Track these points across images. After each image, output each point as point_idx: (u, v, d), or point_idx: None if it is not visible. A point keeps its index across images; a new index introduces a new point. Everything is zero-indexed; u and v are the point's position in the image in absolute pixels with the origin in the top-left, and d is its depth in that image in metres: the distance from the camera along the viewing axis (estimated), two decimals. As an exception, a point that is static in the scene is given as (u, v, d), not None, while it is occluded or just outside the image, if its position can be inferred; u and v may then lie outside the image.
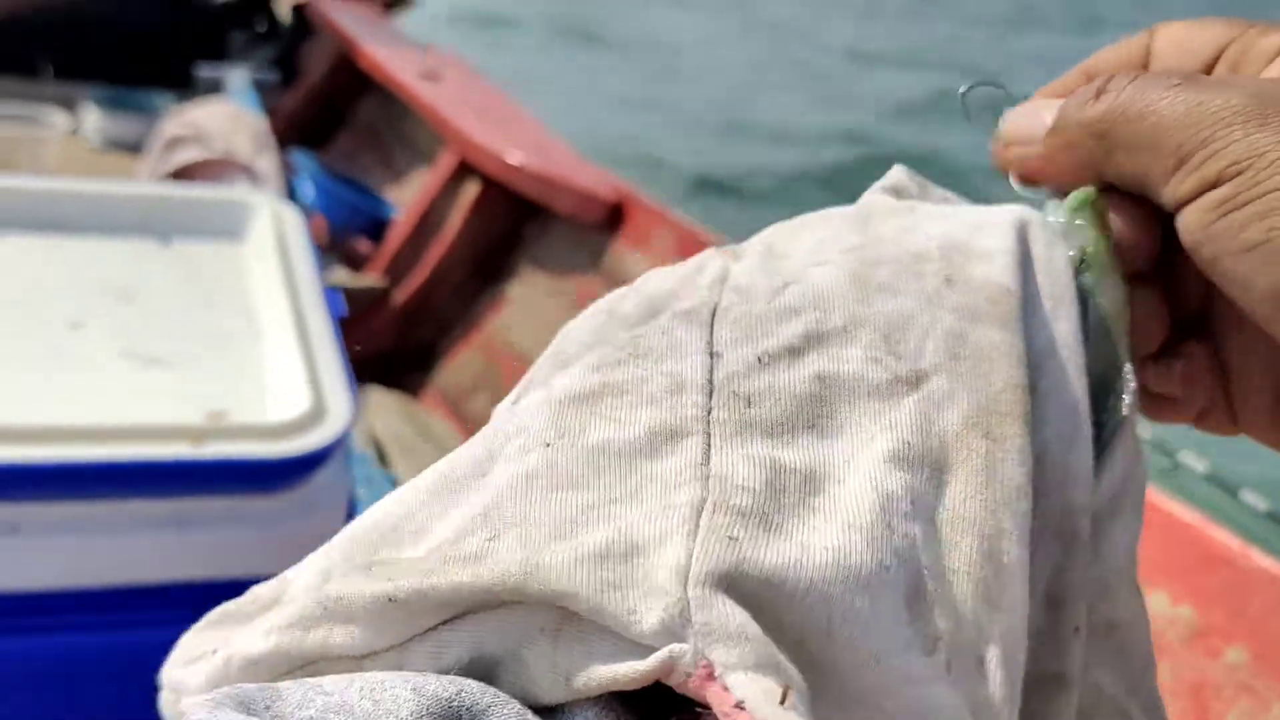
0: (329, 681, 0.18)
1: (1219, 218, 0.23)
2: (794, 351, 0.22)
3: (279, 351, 0.74)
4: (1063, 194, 0.27)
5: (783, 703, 0.17)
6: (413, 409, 1.50)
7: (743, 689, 0.17)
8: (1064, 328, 0.25)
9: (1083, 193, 0.27)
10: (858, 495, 0.20)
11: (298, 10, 2.77)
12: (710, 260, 0.26)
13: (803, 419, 0.21)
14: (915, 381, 0.23)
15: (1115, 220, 0.26)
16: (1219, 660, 0.83)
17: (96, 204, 0.87)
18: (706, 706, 0.17)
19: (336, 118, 2.38)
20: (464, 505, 0.21)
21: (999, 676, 0.20)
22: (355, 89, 2.36)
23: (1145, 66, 0.27)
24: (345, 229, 1.86)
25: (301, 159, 1.87)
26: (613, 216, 1.53)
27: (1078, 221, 0.27)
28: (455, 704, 0.18)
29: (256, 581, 0.74)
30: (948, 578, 0.21)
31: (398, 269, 1.75)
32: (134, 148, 2.06)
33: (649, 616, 0.18)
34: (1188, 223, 0.24)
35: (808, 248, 0.26)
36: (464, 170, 1.72)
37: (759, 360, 0.22)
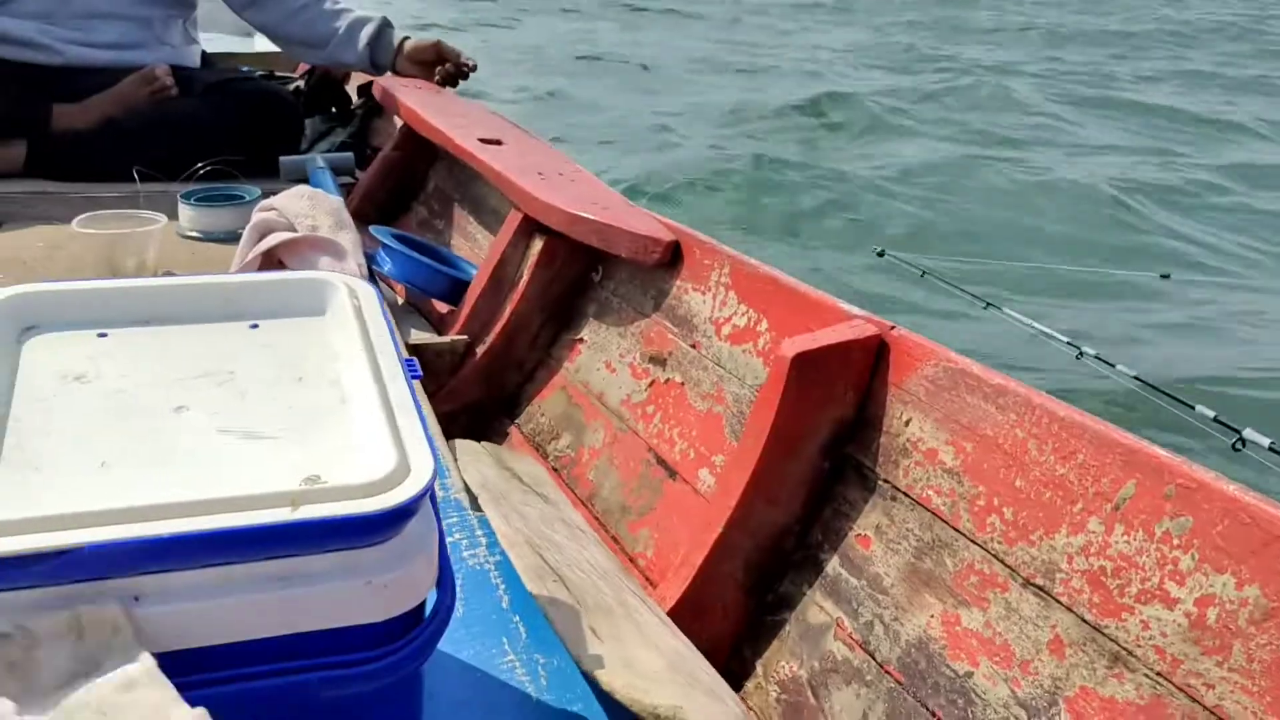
0: None
1: None
2: None
3: (364, 417, 0.81)
4: None
5: None
6: (501, 455, 1.57)
7: None
8: None
9: None
10: None
11: (364, 91, 2.90)
12: None
13: None
14: None
15: None
16: None
17: (190, 295, 0.96)
18: None
19: (409, 188, 2.49)
20: None
21: None
22: (424, 159, 2.47)
23: None
24: (425, 292, 1.95)
25: (379, 232, 1.97)
26: (672, 256, 1.58)
27: None
28: None
29: (364, 628, 0.81)
30: None
31: (477, 325, 1.83)
32: (227, 238, 2.19)
33: None
34: None
35: None
36: (530, 226, 1.80)
37: None
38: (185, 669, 0.72)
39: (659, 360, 1.56)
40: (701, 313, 1.51)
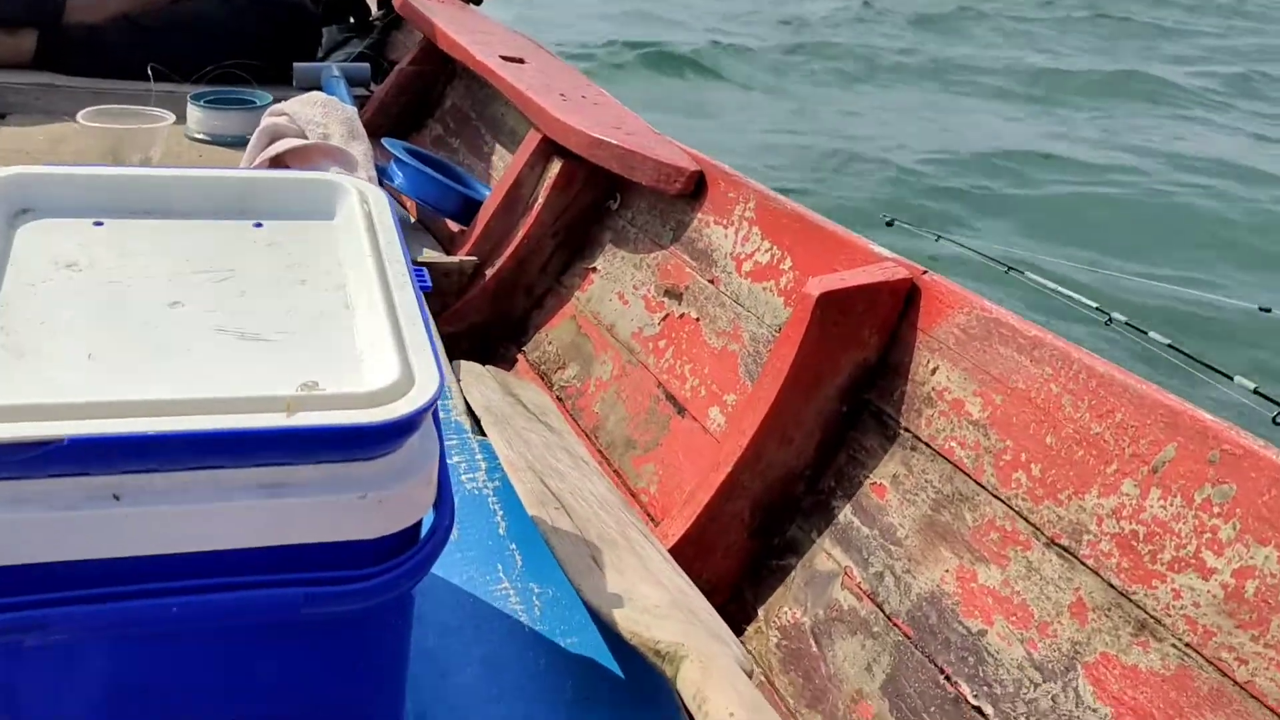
0: None
1: None
2: None
3: (368, 325, 0.77)
4: None
5: None
6: (506, 380, 1.53)
7: None
8: None
9: None
10: None
11: (386, 4, 2.82)
12: None
13: None
14: None
15: None
16: None
17: (193, 189, 0.91)
18: None
19: (425, 104, 2.42)
20: None
21: None
22: (442, 76, 2.40)
23: None
24: (436, 210, 1.90)
25: (392, 145, 1.91)
26: (695, 187, 1.53)
27: None
28: None
29: (352, 544, 0.76)
30: None
31: (488, 246, 1.78)
32: (235, 143, 2.13)
33: None
34: None
35: None
36: (548, 148, 1.74)
37: None
38: (165, 574, 0.68)
39: (675, 294, 1.51)
40: (722, 247, 1.45)
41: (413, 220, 2.04)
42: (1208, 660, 0.80)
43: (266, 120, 1.81)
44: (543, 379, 1.65)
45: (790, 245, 1.34)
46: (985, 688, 0.92)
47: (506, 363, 1.72)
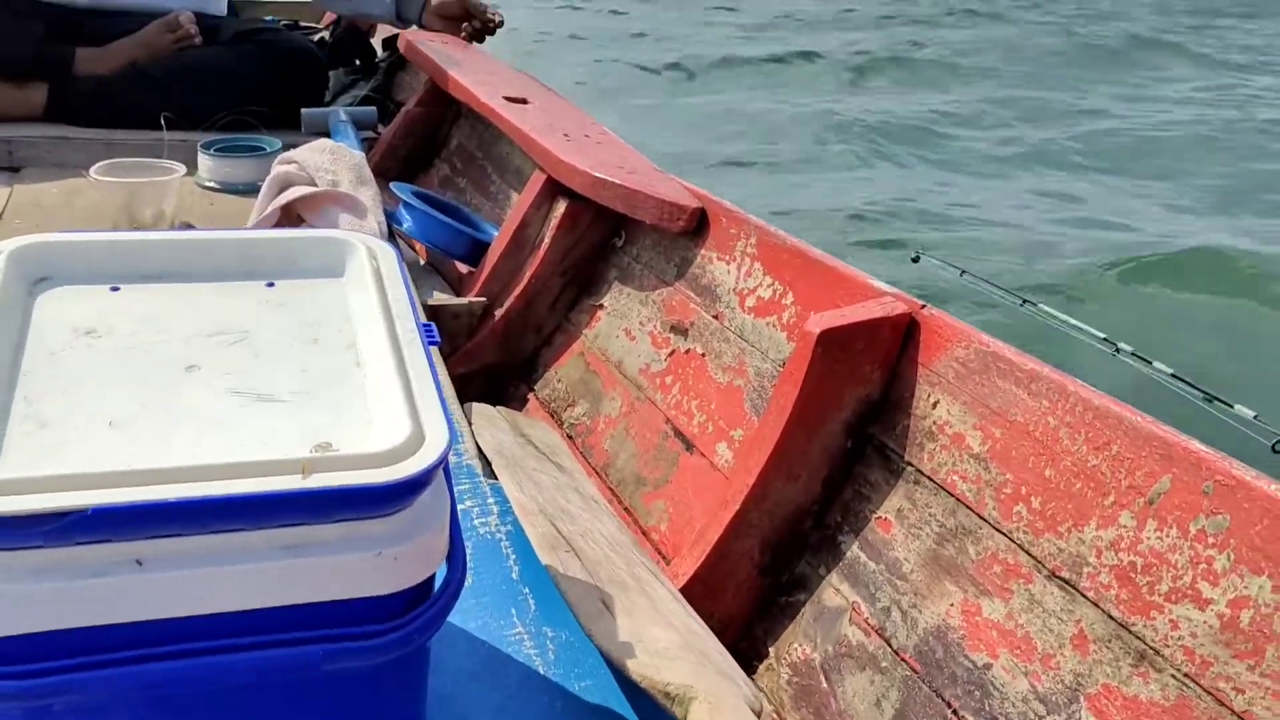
0: None
1: None
2: None
3: (379, 383, 0.79)
4: None
5: None
6: (516, 420, 1.56)
7: None
8: None
9: None
10: None
11: (390, 45, 2.86)
12: None
13: None
14: None
15: None
16: None
17: (206, 252, 0.94)
18: None
19: (432, 145, 2.46)
20: None
21: None
22: (448, 116, 2.43)
23: None
24: (445, 253, 1.92)
25: (400, 189, 1.94)
26: (697, 224, 1.55)
27: None
28: None
29: (368, 600, 0.79)
30: None
31: (496, 287, 1.80)
32: (246, 190, 2.17)
33: None
34: None
35: None
36: (553, 188, 1.77)
37: None
38: (188, 636, 0.70)
39: (680, 330, 1.53)
40: (725, 283, 1.48)
41: (422, 263, 2.07)
42: (1205, 690, 0.81)
43: (277, 169, 1.85)
44: (553, 417, 1.67)
45: (791, 280, 1.36)
46: (992, 721, 0.93)
47: (517, 401, 1.74)
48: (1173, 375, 1.10)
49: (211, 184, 2.20)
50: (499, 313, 1.77)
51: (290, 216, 1.78)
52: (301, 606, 0.73)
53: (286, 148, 2.03)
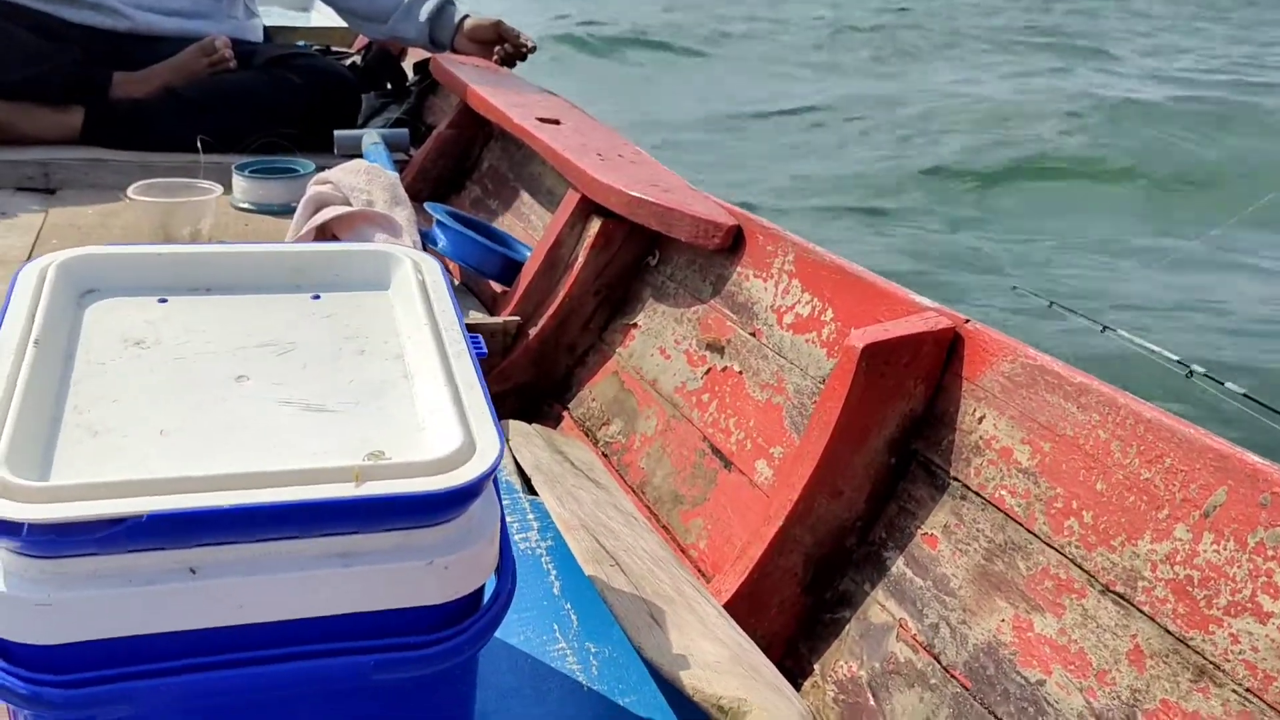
0: None
1: None
2: None
3: (428, 393, 0.79)
4: None
5: None
6: (552, 438, 1.55)
7: None
8: None
9: None
10: None
11: (421, 69, 2.89)
12: None
13: None
14: None
15: None
16: None
17: (252, 265, 0.94)
18: None
19: (464, 167, 2.47)
20: None
21: None
22: (479, 138, 2.45)
23: None
24: (479, 272, 1.93)
25: (434, 209, 1.95)
26: (733, 241, 1.55)
27: None
28: None
29: (418, 610, 0.78)
30: None
31: (530, 306, 1.80)
32: (281, 211, 2.18)
33: None
34: None
35: None
36: (587, 207, 1.77)
37: None
38: (238, 645, 0.70)
39: (716, 348, 1.53)
40: (763, 300, 1.47)
41: (456, 282, 2.07)
42: (1269, 705, 0.79)
43: (312, 189, 1.86)
44: (587, 435, 1.67)
45: (830, 296, 1.36)
46: (1047, 739, 0.92)
47: (551, 420, 1.74)
48: (1245, 395, 1.09)
49: (246, 205, 2.22)
50: (533, 332, 1.77)
51: (325, 236, 1.78)
52: (353, 616, 0.72)
53: (320, 169, 2.04)
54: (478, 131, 2.43)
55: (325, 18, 3.52)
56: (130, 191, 1.89)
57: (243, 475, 0.67)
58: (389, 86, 2.96)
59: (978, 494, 1.08)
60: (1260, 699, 0.80)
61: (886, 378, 1.14)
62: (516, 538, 1.25)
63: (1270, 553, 0.83)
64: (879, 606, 1.12)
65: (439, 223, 1.91)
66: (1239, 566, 0.85)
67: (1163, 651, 0.87)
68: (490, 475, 0.72)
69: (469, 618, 0.76)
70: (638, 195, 1.65)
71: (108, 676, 0.68)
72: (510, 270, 1.90)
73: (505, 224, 2.22)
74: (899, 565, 1.13)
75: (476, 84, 2.30)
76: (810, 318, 1.38)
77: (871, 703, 1.06)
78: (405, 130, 2.63)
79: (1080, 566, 0.96)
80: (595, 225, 1.75)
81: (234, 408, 0.76)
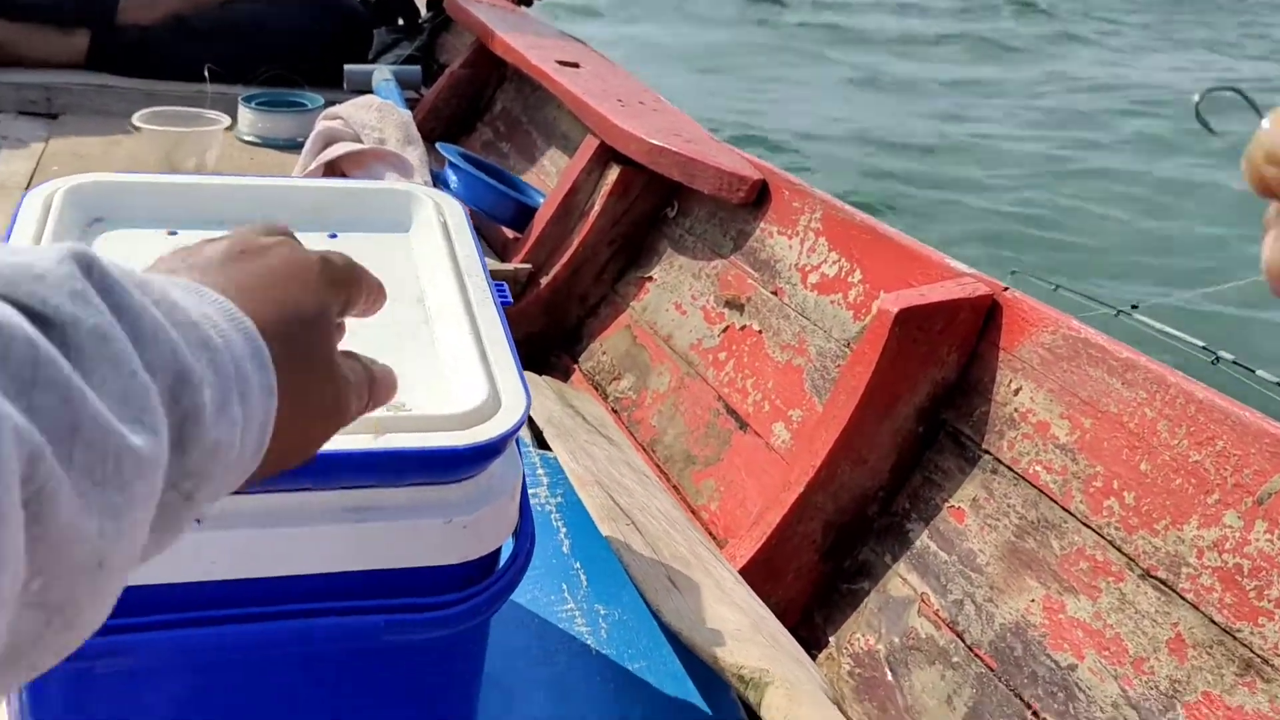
0: None
1: None
2: None
3: (452, 341, 0.74)
4: None
5: None
6: (563, 391, 1.51)
7: None
8: None
9: None
10: None
11: (435, 5, 2.81)
12: None
13: None
14: None
15: None
16: None
17: (266, 199, 0.89)
18: None
19: (475, 108, 2.41)
20: None
21: None
22: (493, 79, 2.38)
23: None
24: (491, 217, 1.88)
25: (446, 150, 1.89)
26: (757, 196, 1.50)
27: None
28: None
29: (434, 570, 0.74)
30: None
31: (542, 254, 1.75)
32: (287, 145, 2.12)
33: None
34: None
35: None
36: (606, 154, 1.72)
37: None
38: (243, 600, 0.66)
39: (736, 305, 1.48)
40: (787, 258, 1.42)
41: (465, 226, 2.02)
42: None
43: (321, 124, 1.80)
44: (597, 389, 1.62)
45: (860, 257, 1.31)
46: (1076, 725, 0.88)
47: (560, 373, 1.70)
48: (1278, 384, 1.04)
49: (252, 138, 2.16)
50: (544, 280, 1.72)
51: (334, 173, 1.73)
52: (364, 574, 0.68)
53: (328, 105, 1.98)
54: (492, 72, 2.36)
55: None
56: (135, 119, 1.83)
57: (254, 421, 0.62)
58: (401, 22, 2.88)
59: (1010, 468, 1.04)
60: None
61: (919, 344, 1.09)
62: (527, 493, 1.21)
63: None
64: (900, 579, 1.09)
65: (451, 164, 1.86)
66: (1293, 557, 0.81)
67: (1206, 642, 0.84)
68: (515, 433, 0.68)
69: (485, 580, 0.73)
70: (659, 144, 1.59)
71: (106, 627, 0.64)
72: (523, 216, 1.85)
73: (516, 168, 2.16)
74: (923, 538, 1.09)
75: (493, 23, 2.23)
76: (837, 278, 1.33)
77: (889, 678, 1.03)
78: (418, 67, 2.56)
79: (1119, 549, 0.92)
80: (614, 173, 1.69)
81: (244, 348, 0.72)
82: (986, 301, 1.10)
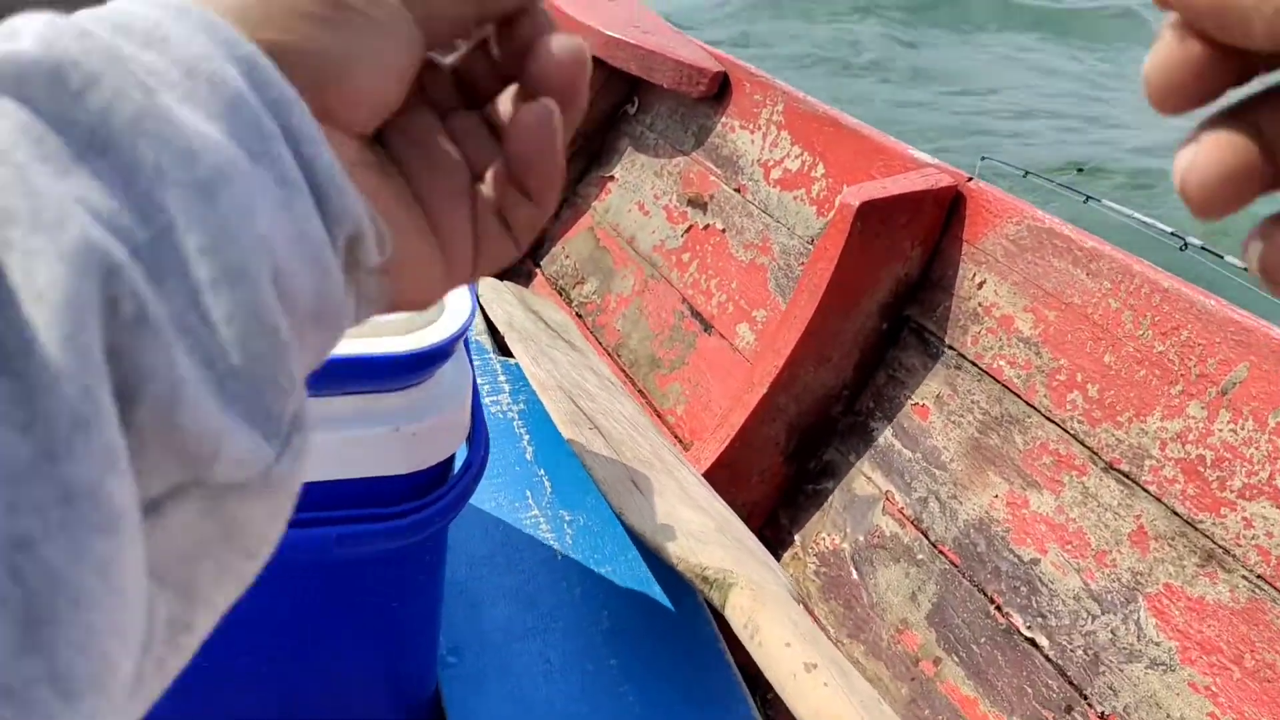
0: None
1: None
2: None
3: (392, 243, 0.71)
4: None
5: None
6: (524, 296, 1.48)
7: None
8: None
9: None
10: None
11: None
12: None
13: None
14: None
15: None
16: None
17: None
18: None
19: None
20: None
21: None
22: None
23: None
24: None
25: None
26: (718, 89, 1.46)
27: None
28: None
29: (383, 480, 0.71)
30: None
31: (500, 156, 1.71)
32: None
33: None
34: None
35: None
36: (562, 49, 1.66)
37: None
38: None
39: (698, 204, 1.45)
40: (749, 153, 1.39)
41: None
42: None
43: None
44: (560, 294, 1.60)
45: (823, 151, 1.28)
46: (1039, 619, 0.88)
47: (523, 278, 1.66)
48: (1245, 269, 1.03)
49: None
50: (503, 182, 1.68)
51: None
52: (311, 485, 0.66)
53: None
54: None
55: None
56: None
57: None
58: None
59: (974, 364, 1.03)
60: (1273, 586, 0.77)
61: (882, 238, 1.07)
62: (487, 400, 1.19)
63: None
64: (865, 478, 1.08)
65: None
66: (1257, 447, 0.80)
67: (1168, 534, 0.84)
68: (461, 336, 0.65)
69: (437, 489, 0.71)
70: (616, 35, 1.54)
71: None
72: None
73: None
74: (887, 436, 1.08)
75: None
76: (800, 173, 1.30)
77: (854, 576, 1.03)
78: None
79: (1082, 443, 0.92)
80: (571, 69, 1.64)
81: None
82: (950, 193, 1.08)
